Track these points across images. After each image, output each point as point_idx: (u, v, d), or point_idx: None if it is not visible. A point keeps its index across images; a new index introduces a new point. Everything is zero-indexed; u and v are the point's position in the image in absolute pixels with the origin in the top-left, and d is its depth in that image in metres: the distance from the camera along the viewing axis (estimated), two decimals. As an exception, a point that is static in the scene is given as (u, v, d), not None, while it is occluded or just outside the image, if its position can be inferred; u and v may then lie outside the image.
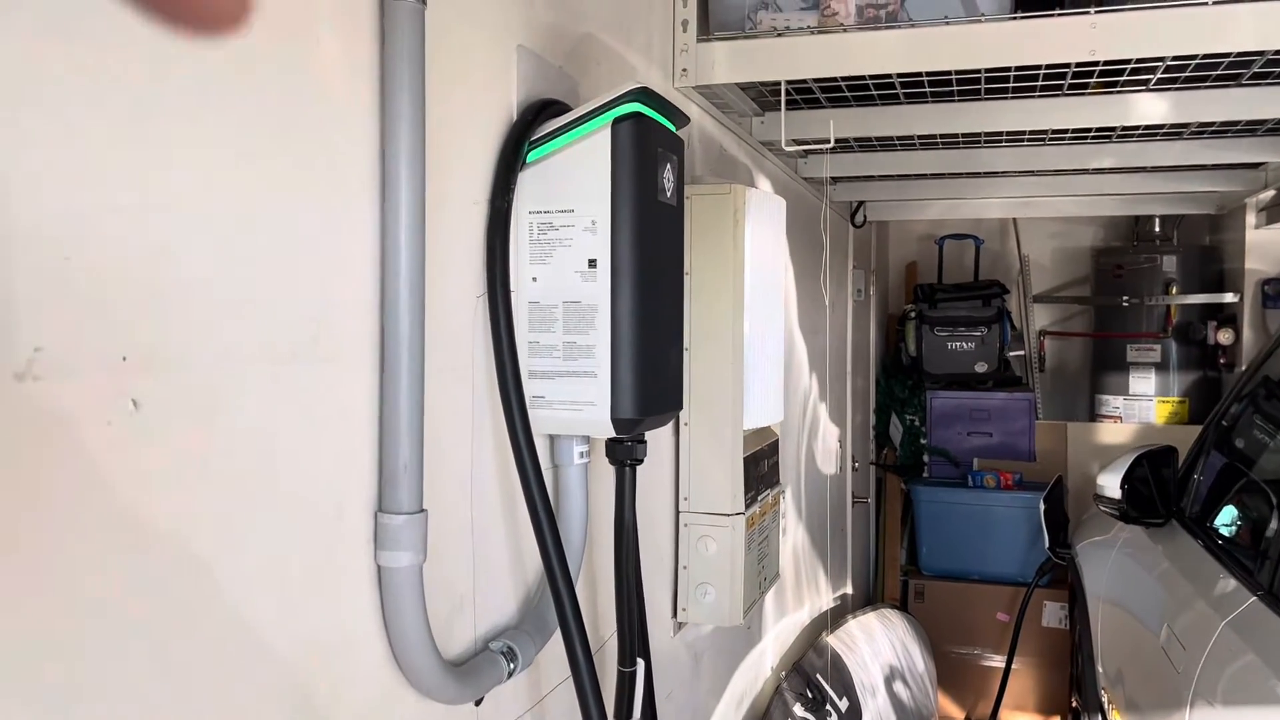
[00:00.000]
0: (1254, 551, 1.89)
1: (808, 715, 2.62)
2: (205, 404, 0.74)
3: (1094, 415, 4.47)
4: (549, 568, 1.12)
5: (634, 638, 1.35)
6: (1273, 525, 1.85)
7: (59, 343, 0.62)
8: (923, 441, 4.57)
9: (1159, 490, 2.56)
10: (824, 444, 3.31)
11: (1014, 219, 4.68)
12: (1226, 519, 2.15)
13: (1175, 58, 1.76)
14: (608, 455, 1.29)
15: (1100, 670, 2.86)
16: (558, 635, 1.16)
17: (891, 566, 4.49)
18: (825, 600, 3.39)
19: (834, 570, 3.56)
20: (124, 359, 0.67)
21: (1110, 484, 2.48)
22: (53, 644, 0.63)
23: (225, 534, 0.76)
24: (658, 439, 1.69)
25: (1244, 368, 3.31)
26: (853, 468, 3.92)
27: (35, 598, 0.61)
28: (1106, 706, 2.67)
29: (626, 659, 1.34)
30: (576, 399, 1.18)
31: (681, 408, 1.39)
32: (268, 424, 0.81)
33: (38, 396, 0.61)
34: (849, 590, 3.90)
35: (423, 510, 0.96)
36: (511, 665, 1.14)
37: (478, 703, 1.12)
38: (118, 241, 0.66)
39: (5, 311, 0.59)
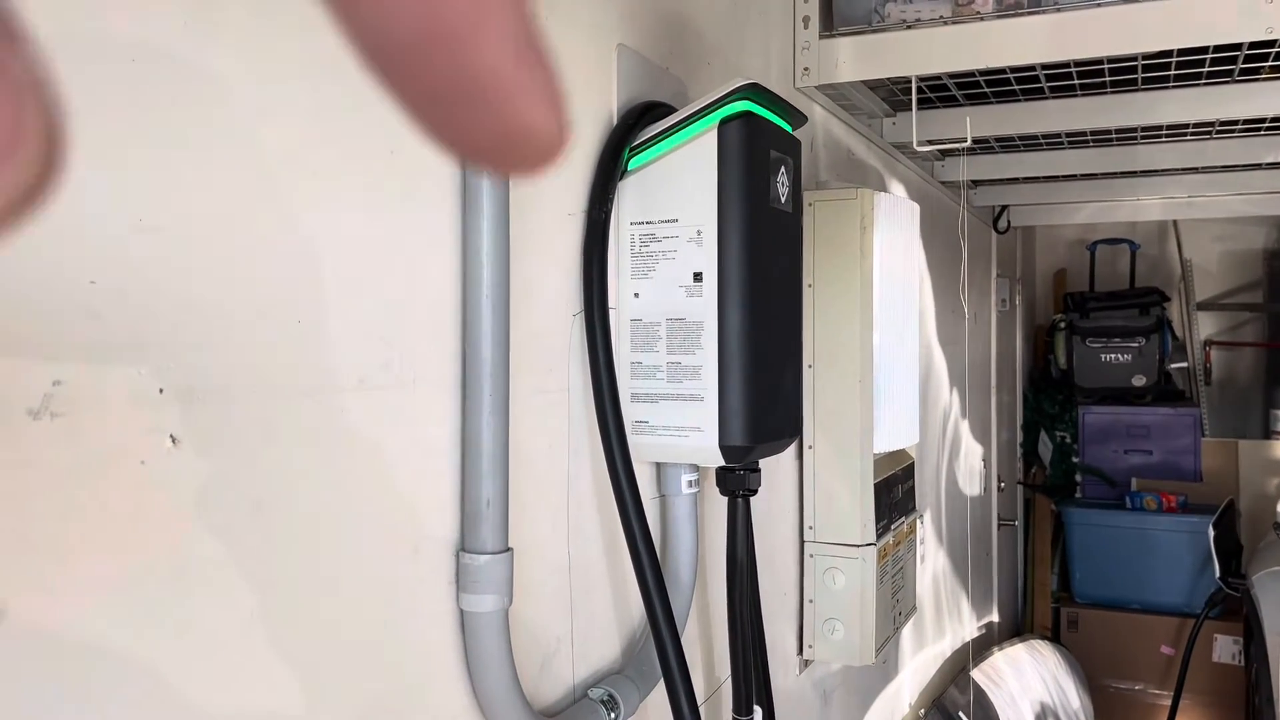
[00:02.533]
0: None
1: (950, 756, 2.44)
2: (257, 439, 0.68)
3: (1269, 432, 4.11)
4: (650, 608, 1.03)
5: (750, 684, 1.24)
6: None
7: (82, 375, 0.56)
8: (1074, 460, 4.29)
9: (1350, 519, 2.29)
10: (966, 464, 3.11)
11: (1174, 221, 4.35)
12: None
13: (1368, 33, 1.55)
14: (718, 485, 1.19)
15: (1282, 715, 2.60)
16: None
17: (1042, 593, 4.21)
18: (969, 630, 3.19)
19: (978, 598, 3.35)
20: (160, 391, 0.61)
21: (1293, 512, 2.23)
22: None
23: (278, 583, 0.70)
24: (779, 463, 1.58)
25: None
26: (998, 488, 3.69)
27: (52, 685, 0.56)
28: (1291, 759, 2.40)
29: (742, 706, 1.23)
30: (682, 424, 1.09)
31: (800, 434, 1.28)
32: (330, 459, 0.74)
33: (55, 436, 0.55)
34: (995, 619, 3.67)
35: (508, 549, 0.88)
36: (613, 714, 1.05)
37: (576, 755, 1.04)
38: (153, 264, 0.60)
39: (19, 342, 0.53)
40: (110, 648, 0.58)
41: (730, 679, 1.27)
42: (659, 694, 1.10)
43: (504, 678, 0.89)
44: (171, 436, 0.61)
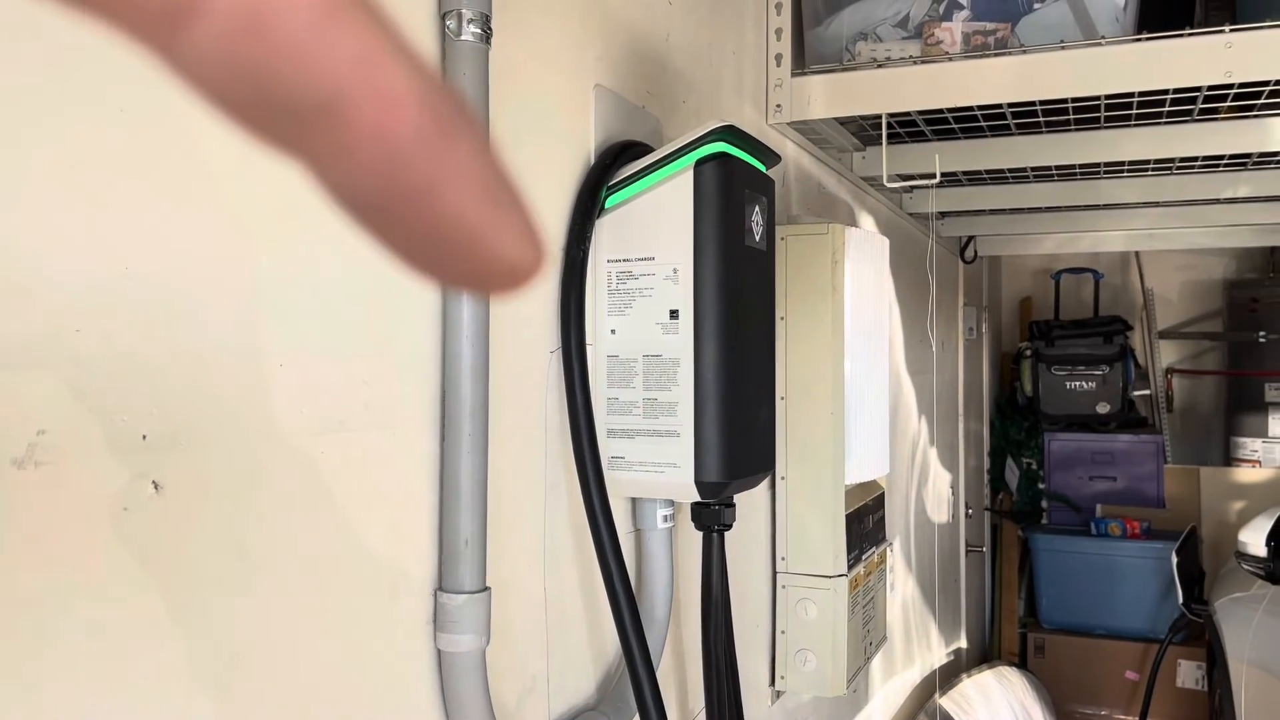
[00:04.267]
0: None
1: (919, 784, 2.45)
2: (241, 483, 0.68)
3: (1229, 459, 4.17)
4: (626, 645, 1.03)
5: (723, 717, 1.24)
6: None
7: (66, 423, 0.56)
8: (1041, 486, 4.34)
9: (1310, 547, 2.34)
10: (934, 491, 3.14)
11: (1136, 252, 4.43)
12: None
13: (1322, 77, 1.60)
14: (693, 520, 1.20)
15: (1245, 741, 2.63)
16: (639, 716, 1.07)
17: (1009, 619, 4.25)
18: (937, 657, 3.20)
19: (947, 624, 3.38)
20: (144, 437, 0.61)
21: (1254, 540, 2.28)
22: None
23: (260, 628, 0.70)
24: (752, 495, 1.59)
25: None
26: (966, 515, 3.73)
27: None
28: (1254, 785, 2.44)
29: (716, 740, 1.24)
30: (658, 460, 1.10)
31: (773, 469, 1.30)
32: (312, 502, 0.74)
33: (40, 485, 0.55)
34: (963, 645, 3.70)
35: (486, 589, 0.89)
36: (588, 751, 1.05)
37: (551, 791, 1.04)
38: (137, 309, 0.61)
39: (3, 392, 0.54)
40: (94, 697, 0.58)
41: (704, 712, 1.27)
42: (634, 729, 1.10)
43: (481, 717, 0.89)
44: (154, 483, 0.62)
